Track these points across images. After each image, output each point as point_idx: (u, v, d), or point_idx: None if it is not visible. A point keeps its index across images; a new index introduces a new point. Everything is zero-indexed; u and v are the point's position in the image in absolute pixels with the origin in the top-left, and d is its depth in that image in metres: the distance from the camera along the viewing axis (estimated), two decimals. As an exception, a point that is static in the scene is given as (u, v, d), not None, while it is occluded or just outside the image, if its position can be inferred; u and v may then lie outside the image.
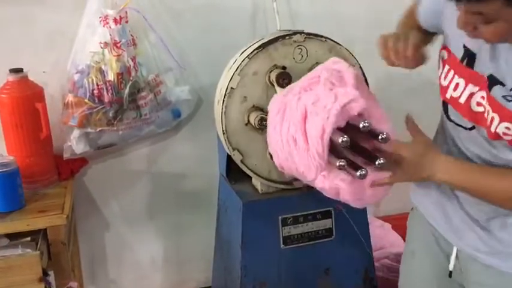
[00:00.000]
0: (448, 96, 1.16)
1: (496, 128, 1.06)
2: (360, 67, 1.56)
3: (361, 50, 1.61)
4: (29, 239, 1.61)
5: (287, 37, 1.50)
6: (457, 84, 1.13)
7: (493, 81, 1.05)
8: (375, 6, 2.14)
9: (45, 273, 1.57)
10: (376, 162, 1.13)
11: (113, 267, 2.17)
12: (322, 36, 1.52)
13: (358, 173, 1.13)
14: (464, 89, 1.11)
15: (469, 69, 1.10)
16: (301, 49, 1.51)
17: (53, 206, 1.67)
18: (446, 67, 1.16)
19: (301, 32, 1.51)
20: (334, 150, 1.18)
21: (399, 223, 2.27)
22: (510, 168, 1.10)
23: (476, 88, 1.09)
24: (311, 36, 1.51)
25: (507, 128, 1.04)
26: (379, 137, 1.11)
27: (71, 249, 1.78)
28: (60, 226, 1.62)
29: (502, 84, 1.03)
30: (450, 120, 1.20)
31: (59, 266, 1.65)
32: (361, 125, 1.12)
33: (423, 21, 1.27)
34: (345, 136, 1.12)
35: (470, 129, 1.14)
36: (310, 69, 1.52)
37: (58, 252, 1.64)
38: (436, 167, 1.11)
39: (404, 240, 2.21)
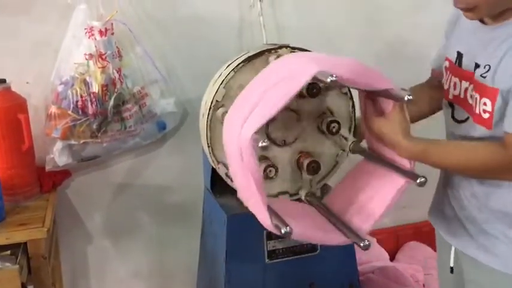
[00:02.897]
0: (450, 96, 1.32)
1: (479, 109, 1.20)
2: (345, 81, 1.57)
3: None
4: (8, 252, 1.58)
5: (273, 51, 1.50)
6: (455, 84, 1.31)
7: (475, 67, 1.23)
8: (362, 20, 2.16)
9: (24, 288, 1.54)
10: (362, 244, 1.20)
11: (96, 281, 2.13)
12: (307, 50, 1.53)
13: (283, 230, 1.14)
14: (461, 85, 1.28)
15: (460, 69, 1.29)
16: (287, 63, 1.51)
17: (33, 219, 1.64)
18: (448, 73, 1.34)
19: (286, 46, 1.51)
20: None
21: (384, 237, 2.28)
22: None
23: (467, 83, 1.25)
24: (296, 50, 1.51)
25: (484, 103, 1.18)
26: (406, 98, 1.13)
27: (52, 263, 1.75)
28: (41, 239, 1.59)
29: (479, 65, 1.21)
30: (456, 121, 1.32)
31: (39, 280, 1.62)
32: (328, 80, 1.07)
33: (435, 64, 1.48)
34: (266, 140, 1.14)
35: (467, 119, 1.26)
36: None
37: (38, 266, 1.60)
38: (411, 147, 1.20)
39: (388, 254, 2.24)
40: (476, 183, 1.27)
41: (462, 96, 1.28)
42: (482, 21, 1.26)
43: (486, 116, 1.19)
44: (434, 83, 1.48)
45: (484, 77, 1.18)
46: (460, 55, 1.30)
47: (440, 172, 1.44)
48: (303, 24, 2.09)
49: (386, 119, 1.22)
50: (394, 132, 1.20)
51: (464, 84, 1.27)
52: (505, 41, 1.16)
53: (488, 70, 1.17)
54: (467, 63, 1.27)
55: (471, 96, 1.24)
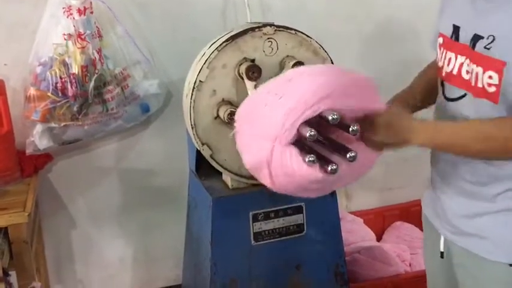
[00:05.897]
0: (443, 73, 1.25)
1: (482, 82, 1.12)
2: (331, 61, 1.55)
3: (332, 44, 1.60)
4: (-11, 238, 1.56)
5: (257, 29, 1.47)
6: (449, 59, 1.23)
7: (475, 39, 1.14)
8: (346, 0, 2.13)
9: (5, 273, 1.52)
10: (348, 155, 1.10)
11: (80, 266, 2.11)
12: (292, 29, 1.50)
13: (329, 168, 1.10)
14: (456, 60, 1.21)
15: (456, 43, 1.21)
16: (271, 42, 1.49)
17: (14, 204, 1.62)
18: (442, 49, 1.26)
19: (271, 25, 1.48)
20: (302, 144, 1.14)
21: (370, 218, 2.29)
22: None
23: (464, 57, 1.19)
24: (281, 29, 1.48)
25: (490, 77, 1.11)
26: (350, 129, 1.09)
27: (34, 248, 1.73)
28: (22, 224, 1.57)
29: (482, 37, 1.13)
30: (447, 99, 1.25)
31: (22, 265, 1.60)
32: (329, 117, 1.07)
33: (433, 45, 1.37)
34: (312, 130, 1.08)
35: (463, 96, 1.20)
36: (280, 63, 1.50)
37: (20, 251, 1.59)
38: (415, 128, 1.14)
39: (375, 234, 2.25)
40: (466, 170, 1.22)
41: (455, 72, 1.22)
42: None
43: (492, 89, 1.11)
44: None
45: (488, 49, 1.10)
46: (456, 28, 1.22)
47: (431, 158, 1.36)
48: (287, 3, 2.05)
49: (377, 128, 1.13)
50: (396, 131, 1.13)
51: (460, 59, 1.20)
52: (510, 10, 1.08)
53: (493, 41, 1.10)
54: (465, 36, 1.19)
55: (467, 72, 1.18)
